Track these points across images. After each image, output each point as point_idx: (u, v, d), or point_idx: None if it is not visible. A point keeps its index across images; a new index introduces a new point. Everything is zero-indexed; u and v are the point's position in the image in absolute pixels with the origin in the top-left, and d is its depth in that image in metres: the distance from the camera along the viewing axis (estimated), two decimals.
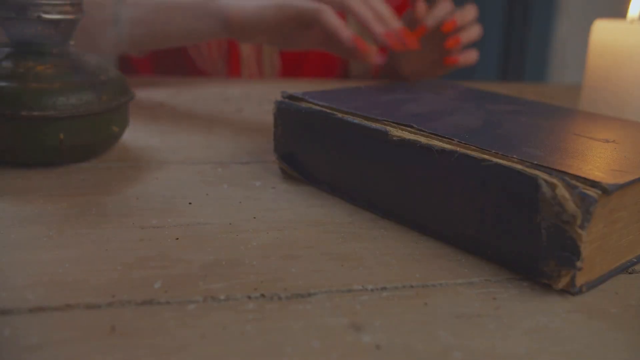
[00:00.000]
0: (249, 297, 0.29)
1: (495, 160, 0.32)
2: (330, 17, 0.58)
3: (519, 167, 0.31)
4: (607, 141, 0.38)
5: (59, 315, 0.26)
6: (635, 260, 0.34)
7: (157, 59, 0.87)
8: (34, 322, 0.26)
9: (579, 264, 0.29)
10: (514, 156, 0.32)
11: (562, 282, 0.30)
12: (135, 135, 0.52)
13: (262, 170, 0.46)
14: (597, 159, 0.33)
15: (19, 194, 0.39)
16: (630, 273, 0.33)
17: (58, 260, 0.31)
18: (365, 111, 0.39)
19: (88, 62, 0.45)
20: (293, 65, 0.88)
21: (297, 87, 0.47)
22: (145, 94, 0.67)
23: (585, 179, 0.30)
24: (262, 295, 0.29)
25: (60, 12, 0.42)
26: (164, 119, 0.59)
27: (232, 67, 0.85)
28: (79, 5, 0.44)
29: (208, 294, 0.29)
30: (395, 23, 0.61)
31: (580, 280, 0.30)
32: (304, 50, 0.78)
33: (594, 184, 0.29)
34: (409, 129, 0.37)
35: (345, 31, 0.58)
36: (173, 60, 0.85)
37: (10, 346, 0.24)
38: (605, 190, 0.29)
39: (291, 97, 0.43)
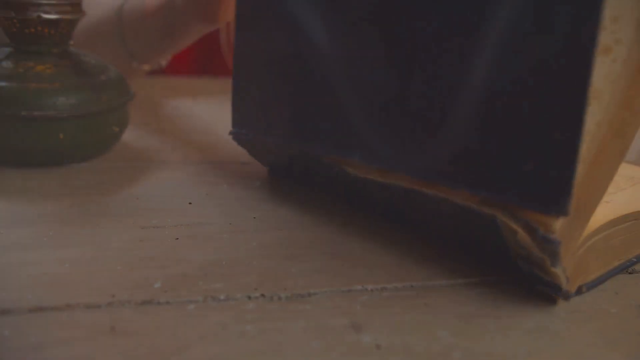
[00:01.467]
0: (249, 297, 0.29)
1: (452, 199, 0.29)
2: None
3: (474, 206, 0.28)
4: None
5: (59, 315, 0.26)
6: (635, 260, 0.34)
7: (196, 60, 0.84)
8: (34, 322, 0.26)
9: (563, 292, 0.29)
10: (463, 189, 0.28)
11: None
12: (135, 135, 0.52)
13: (261, 170, 0.46)
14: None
15: (19, 194, 0.39)
16: (630, 273, 0.33)
17: (58, 260, 0.31)
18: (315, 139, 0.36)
19: (88, 62, 0.45)
20: None
21: None
22: (145, 94, 0.67)
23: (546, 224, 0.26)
24: (262, 295, 0.29)
25: (60, 12, 0.42)
26: (164, 119, 0.59)
27: None
28: (79, 5, 0.44)
29: (208, 294, 0.29)
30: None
31: (576, 283, 0.30)
32: None
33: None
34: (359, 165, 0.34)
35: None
36: (211, 62, 0.83)
37: (10, 346, 0.24)
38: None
39: (238, 135, 0.42)
